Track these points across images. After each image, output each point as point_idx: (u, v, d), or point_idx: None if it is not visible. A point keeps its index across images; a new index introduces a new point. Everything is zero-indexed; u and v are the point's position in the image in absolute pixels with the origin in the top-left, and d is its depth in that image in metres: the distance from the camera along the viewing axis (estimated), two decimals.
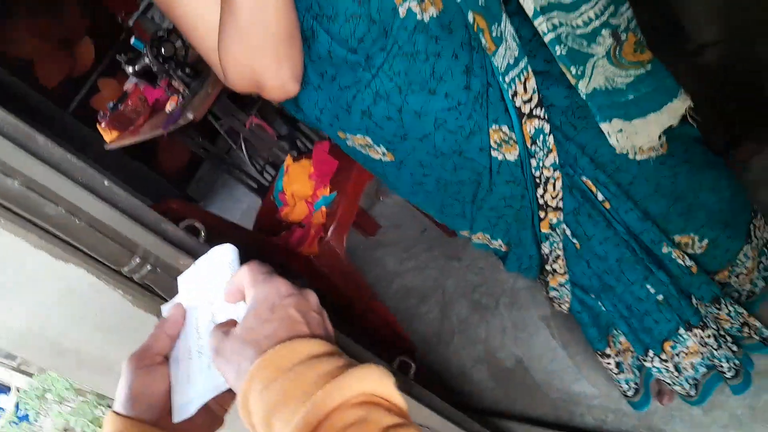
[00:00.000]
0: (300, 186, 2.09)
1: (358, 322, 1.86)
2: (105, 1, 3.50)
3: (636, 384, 1.35)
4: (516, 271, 1.14)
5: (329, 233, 1.83)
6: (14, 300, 1.00)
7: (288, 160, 2.16)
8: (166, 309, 0.65)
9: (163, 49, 2.25)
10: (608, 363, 1.30)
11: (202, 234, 0.92)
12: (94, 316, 1.01)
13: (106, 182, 0.81)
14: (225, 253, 0.61)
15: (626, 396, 1.37)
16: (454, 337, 2.04)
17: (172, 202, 1.69)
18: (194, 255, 0.88)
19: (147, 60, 2.33)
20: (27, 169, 0.76)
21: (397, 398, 0.45)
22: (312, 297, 0.52)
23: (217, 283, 0.59)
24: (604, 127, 0.92)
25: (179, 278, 0.65)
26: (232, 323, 0.52)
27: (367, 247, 2.71)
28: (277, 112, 2.66)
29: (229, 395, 0.58)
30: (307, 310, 0.50)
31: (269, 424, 0.43)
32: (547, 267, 1.07)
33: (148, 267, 0.89)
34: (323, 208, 1.97)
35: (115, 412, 0.55)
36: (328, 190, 2.03)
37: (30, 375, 3.94)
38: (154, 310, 1.04)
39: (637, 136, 0.92)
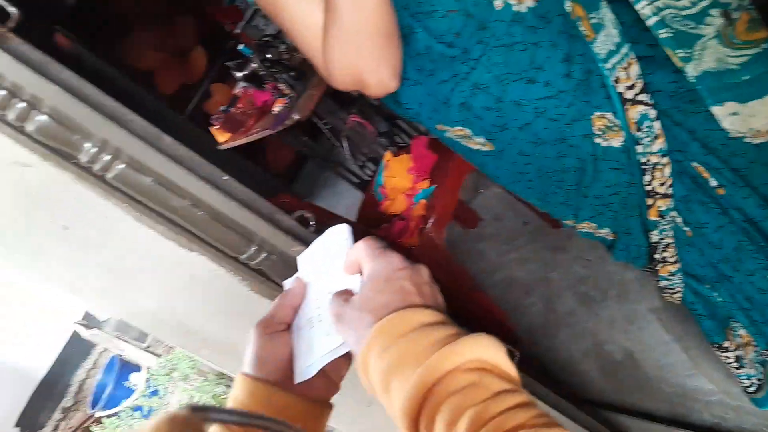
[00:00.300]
0: (399, 180, 2.13)
1: (461, 313, 1.87)
2: (213, 12, 3.72)
3: (759, 380, 1.27)
4: (624, 261, 1.10)
5: (428, 225, 1.86)
6: (147, 284, 1.11)
7: (387, 155, 2.21)
8: (287, 283, 0.70)
9: (268, 54, 2.37)
10: (727, 357, 1.22)
11: (312, 224, 0.97)
12: (215, 300, 1.10)
13: (225, 177, 0.88)
14: (340, 231, 0.66)
15: (748, 392, 1.29)
16: (559, 329, 2.00)
17: (283, 196, 1.78)
18: (305, 242, 0.94)
19: (254, 65, 2.47)
20: (157, 166, 0.85)
21: (508, 366, 0.46)
22: (424, 271, 0.55)
23: (333, 259, 0.63)
24: (716, 110, 0.87)
25: (299, 257, 0.71)
26: (349, 293, 0.56)
27: (468, 239, 2.71)
28: (376, 110, 2.71)
29: (344, 364, 0.62)
30: (420, 283, 0.53)
31: (387, 384, 0.45)
32: (657, 256, 1.03)
33: (264, 254, 0.96)
34: (422, 201, 2.00)
35: (243, 373, 0.60)
36: (427, 183, 2.05)
37: (158, 356, 4.31)
38: (268, 294, 1.11)
39: (754, 119, 0.87)
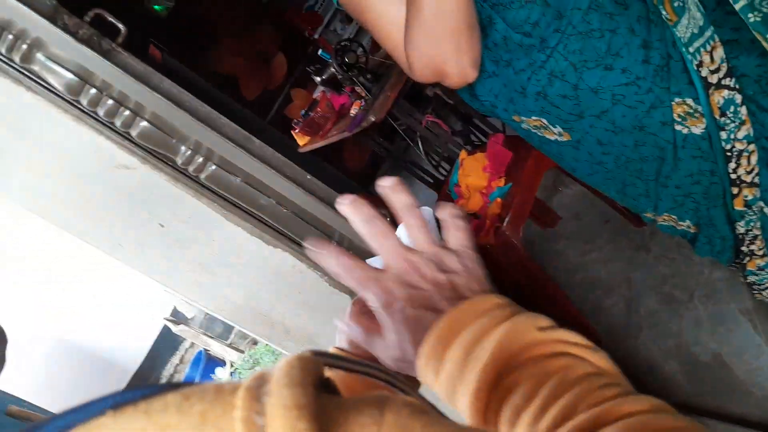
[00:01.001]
0: (475, 178, 2.13)
1: (538, 312, 1.85)
2: (293, 19, 3.85)
3: None
4: (708, 256, 1.06)
5: (505, 223, 1.85)
6: (235, 278, 1.18)
7: (462, 154, 2.21)
8: (372, 261, 0.72)
9: (346, 58, 2.44)
10: None
11: (387, 219, 1.00)
12: (297, 294, 1.15)
13: (308, 176, 0.93)
14: (424, 214, 0.68)
15: None
16: (642, 330, 1.94)
17: (361, 196, 1.83)
18: None
19: (332, 69, 2.54)
20: (246, 167, 0.91)
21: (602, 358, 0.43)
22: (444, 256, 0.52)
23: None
24: None
25: None
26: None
27: (546, 239, 2.67)
28: (451, 109, 2.72)
29: None
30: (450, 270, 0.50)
31: (470, 351, 0.43)
32: (744, 248, 0.99)
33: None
34: (498, 200, 1.99)
35: (338, 347, 0.62)
36: (503, 181, 2.04)
37: (241, 351, 4.49)
38: (345, 289, 1.16)
39: None
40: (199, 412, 0.19)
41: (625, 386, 0.39)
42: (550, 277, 2.04)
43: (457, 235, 0.53)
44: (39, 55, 0.87)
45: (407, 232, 0.54)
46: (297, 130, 2.99)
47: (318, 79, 2.74)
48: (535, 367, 0.41)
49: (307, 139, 2.98)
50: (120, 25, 0.86)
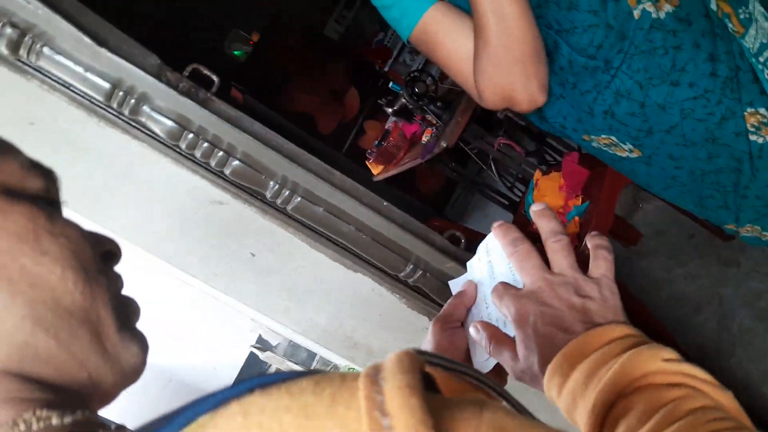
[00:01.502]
0: (551, 198, 2.12)
1: None
2: (364, 54, 4.00)
3: None
4: None
5: (584, 243, 1.84)
6: (319, 302, 1.25)
7: (537, 174, 2.22)
8: (456, 284, 0.76)
9: (416, 88, 2.52)
10: None
11: (463, 242, 1.05)
12: (377, 316, 1.21)
13: (384, 203, 0.99)
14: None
15: None
16: (735, 349, 1.85)
17: (435, 220, 1.88)
18: (457, 260, 1.01)
19: (403, 99, 2.62)
20: (328, 197, 0.98)
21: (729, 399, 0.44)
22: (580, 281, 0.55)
23: (497, 262, 0.68)
24: None
25: (468, 262, 0.75)
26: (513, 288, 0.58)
27: (628, 257, 2.60)
28: (523, 130, 2.73)
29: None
30: (585, 295, 0.53)
31: (576, 397, 0.45)
32: None
33: (419, 272, 1.05)
34: (576, 219, 1.98)
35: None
36: (580, 199, 2.03)
37: None
38: (423, 310, 1.20)
39: None
40: (329, 394, 0.23)
41: (742, 424, 0.40)
42: (633, 294, 1.99)
43: (599, 264, 0.57)
44: (145, 108, 0.99)
45: (551, 257, 0.57)
46: (371, 160, 3.08)
47: (389, 110, 2.83)
48: (653, 393, 0.42)
49: (380, 168, 3.07)
50: (213, 77, 0.96)
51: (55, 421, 0.30)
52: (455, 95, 2.61)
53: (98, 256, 0.38)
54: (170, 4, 3.66)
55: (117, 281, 0.40)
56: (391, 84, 2.85)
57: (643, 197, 2.69)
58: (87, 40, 0.87)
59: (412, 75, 2.57)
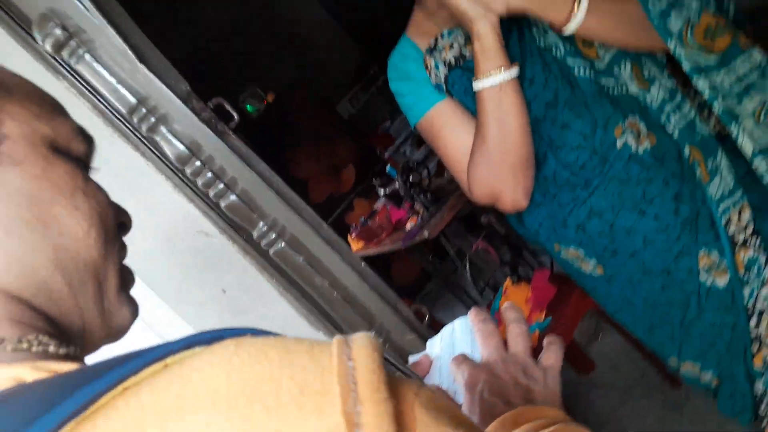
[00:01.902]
0: None
1: None
2: (369, 137, 4.17)
3: None
4: (729, 412, 1.08)
5: (540, 358, 1.88)
6: None
7: (507, 282, 2.29)
8: (414, 359, 0.80)
9: (411, 176, 2.63)
10: None
11: (427, 318, 1.09)
12: None
13: (363, 264, 1.05)
14: (466, 323, 0.76)
15: None
16: None
17: (404, 299, 1.92)
18: (419, 334, 1.05)
19: (397, 185, 2.73)
20: (312, 247, 1.03)
21: None
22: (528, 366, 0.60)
23: (460, 340, 0.73)
24: None
25: (428, 341, 0.80)
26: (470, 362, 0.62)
27: (579, 385, 2.63)
28: (502, 239, 2.84)
29: None
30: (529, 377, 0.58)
31: None
32: (761, 409, 1.01)
33: (381, 339, 1.09)
34: (536, 332, 2.03)
35: None
36: (543, 315, 2.09)
37: None
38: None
39: None
40: (308, 342, 0.28)
41: None
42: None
43: (550, 356, 0.63)
44: (162, 128, 1.05)
45: (510, 340, 0.64)
46: (353, 235, 3.15)
47: (382, 191, 2.94)
48: None
49: (361, 244, 3.13)
50: (234, 114, 1.04)
51: (52, 348, 0.34)
52: (446, 192, 2.73)
53: (116, 223, 0.43)
54: (207, 37, 3.83)
55: (124, 250, 0.45)
56: (388, 168, 2.97)
57: (604, 329, 2.76)
58: (131, 54, 0.95)
59: (410, 164, 2.69)
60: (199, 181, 1.07)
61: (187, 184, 1.16)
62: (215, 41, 3.92)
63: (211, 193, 1.08)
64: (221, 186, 1.05)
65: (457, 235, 2.64)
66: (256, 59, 4.09)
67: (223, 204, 1.09)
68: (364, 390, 0.26)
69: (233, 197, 1.07)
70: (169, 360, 0.28)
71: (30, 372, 0.31)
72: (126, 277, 0.44)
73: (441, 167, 3.09)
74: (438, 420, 0.29)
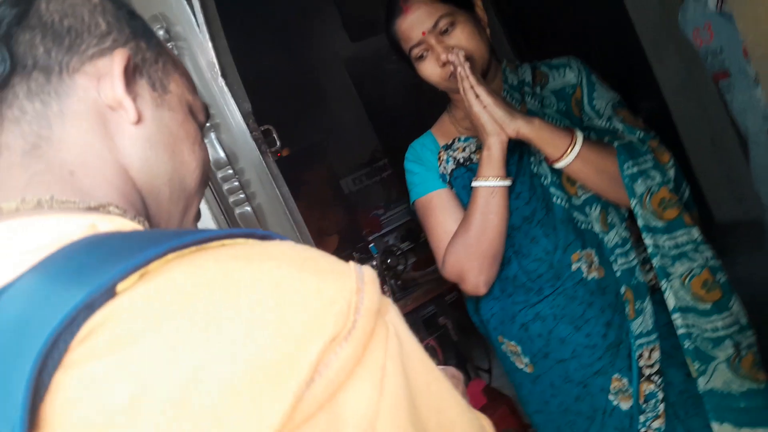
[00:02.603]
0: None
1: None
2: (359, 217, 4.39)
3: None
4: None
5: None
6: None
7: None
8: None
9: (389, 260, 2.82)
10: None
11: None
12: None
13: None
14: None
15: None
16: None
17: None
18: None
19: (374, 264, 2.91)
20: None
21: None
22: None
23: None
24: (715, 426, 1.08)
25: None
26: None
27: None
28: (453, 345, 2.98)
29: None
30: None
31: None
32: None
33: None
34: None
35: None
36: None
37: None
38: None
39: None
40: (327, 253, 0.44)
41: None
42: None
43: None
44: (212, 134, 1.24)
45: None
46: None
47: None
48: None
49: None
50: (278, 142, 1.23)
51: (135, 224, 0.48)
52: (416, 285, 2.91)
53: (207, 177, 0.62)
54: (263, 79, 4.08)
55: (203, 196, 0.63)
56: (372, 246, 3.16)
57: None
58: (217, 68, 1.15)
59: (392, 248, 2.88)
60: (225, 186, 1.24)
61: (210, 188, 1.33)
62: (271, 89, 4.21)
63: (231, 200, 1.25)
64: (242, 195, 1.22)
65: (413, 326, 2.77)
66: (284, 114, 4.37)
67: (237, 211, 1.25)
68: (368, 280, 0.41)
69: (248, 208, 1.23)
70: (239, 240, 0.43)
71: (129, 224, 0.46)
72: (197, 215, 0.61)
73: (418, 264, 3.28)
74: (399, 316, 0.43)
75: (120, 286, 0.34)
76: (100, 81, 0.50)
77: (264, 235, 0.43)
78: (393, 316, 0.40)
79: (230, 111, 1.19)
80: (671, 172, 1.16)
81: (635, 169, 1.12)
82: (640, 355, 1.12)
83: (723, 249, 1.24)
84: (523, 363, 1.24)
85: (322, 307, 0.35)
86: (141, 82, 0.53)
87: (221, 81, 1.17)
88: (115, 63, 0.50)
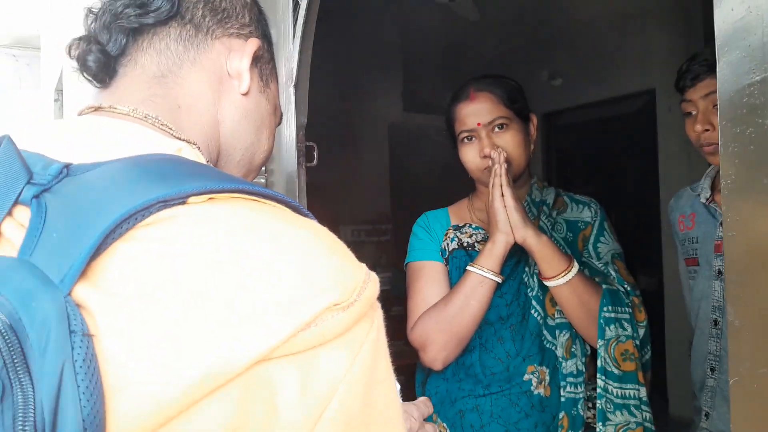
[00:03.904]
0: None
1: None
2: None
3: None
4: None
5: None
6: None
7: None
8: None
9: None
10: None
11: None
12: None
13: None
14: None
15: None
16: None
17: None
18: None
19: None
20: None
21: None
22: None
23: None
24: None
25: None
26: None
27: None
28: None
29: None
30: None
31: None
32: None
33: None
34: None
35: None
36: None
37: None
38: None
39: None
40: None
41: None
42: None
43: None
44: None
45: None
46: None
47: None
48: None
49: None
50: (316, 159, 1.33)
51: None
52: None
53: None
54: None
55: None
56: None
57: None
58: (294, 77, 1.26)
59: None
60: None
61: None
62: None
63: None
64: (262, 181, 1.30)
65: None
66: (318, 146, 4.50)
67: None
68: (374, 279, 0.47)
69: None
70: (288, 210, 0.51)
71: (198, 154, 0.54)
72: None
73: (395, 333, 3.29)
74: (382, 320, 0.48)
75: (192, 199, 0.42)
76: (231, 53, 0.63)
77: (295, 206, 0.51)
78: (379, 317, 0.47)
79: (287, 118, 1.29)
80: (641, 332, 1.25)
81: (612, 315, 1.21)
82: None
83: None
84: None
85: (337, 278, 0.43)
86: (255, 69, 0.66)
87: (292, 90, 1.28)
88: (249, 45, 0.64)
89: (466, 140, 1.28)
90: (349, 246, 0.48)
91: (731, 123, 0.60)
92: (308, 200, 1.28)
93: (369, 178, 4.87)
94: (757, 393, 0.68)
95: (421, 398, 0.91)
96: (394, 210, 4.88)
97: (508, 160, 1.21)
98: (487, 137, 1.24)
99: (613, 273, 1.30)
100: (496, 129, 1.25)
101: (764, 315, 0.65)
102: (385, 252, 4.79)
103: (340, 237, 0.48)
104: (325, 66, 4.33)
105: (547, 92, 4.29)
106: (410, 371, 1.33)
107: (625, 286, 1.28)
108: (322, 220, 0.51)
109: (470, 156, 1.28)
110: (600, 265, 1.33)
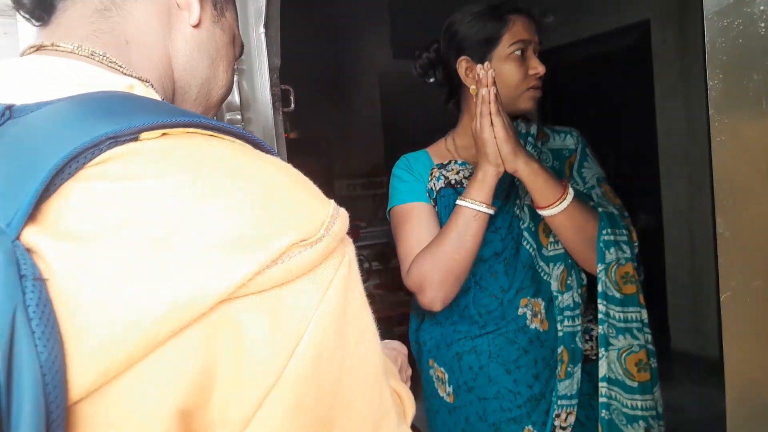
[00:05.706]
0: None
1: None
2: None
3: None
4: None
5: None
6: None
7: None
8: None
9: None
10: None
11: None
12: None
13: None
14: None
15: None
16: None
17: None
18: None
19: None
20: None
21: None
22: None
23: None
24: None
25: None
26: None
27: None
28: None
29: None
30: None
31: None
32: None
33: None
34: None
35: None
36: None
37: None
38: None
39: None
40: None
41: None
42: None
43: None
44: (234, 77, 1.28)
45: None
46: None
47: None
48: None
49: None
50: (293, 103, 1.28)
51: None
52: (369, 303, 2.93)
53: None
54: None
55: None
56: None
57: None
58: (263, 17, 1.20)
59: (362, 262, 2.92)
60: (227, 117, 1.25)
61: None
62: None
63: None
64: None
65: None
66: (305, 100, 4.41)
67: None
68: (342, 215, 0.44)
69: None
70: (248, 144, 0.47)
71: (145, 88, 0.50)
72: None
73: (378, 287, 3.31)
74: (354, 254, 0.46)
75: (144, 135, 0.39)
76: None
77: (256, 141, 0.48)
78: (350, 251, 0.45)
79: (259, 61, 1.24)
80: (636, 252, 1.22)
81: (611, 238, 1.17)
82: (558, 415, 1.16)
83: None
84: (445, 391, 1.27)
85: (302, 213, 0.41)
86: None
87: (261, 30, 1.22)
88: None
89: (516, 53, 1.23)
90: (344, 200, 0.45)
91: (717, 16, 0.55)
92: (299, 155, 1.24)
93: (361, 130, 4.80)
94: (751, 307, 0.65)
95: (392, 342, 0.89)
96: (389, 161, 4.83)
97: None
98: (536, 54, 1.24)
99: (599, 195, 1.28)
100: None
101: (756, 224, 0.62)
102: (382, 205, 4.76)
103: (334, 191, 0.46)
104: (312, 22, 4.24)
105: (540, 30, 4.18)
106: None
107: (614, 208, 1.25)
108: (315, 175, 0.48)
109: (520, 72, 1.23)
110: (585, 190, 1.29)
